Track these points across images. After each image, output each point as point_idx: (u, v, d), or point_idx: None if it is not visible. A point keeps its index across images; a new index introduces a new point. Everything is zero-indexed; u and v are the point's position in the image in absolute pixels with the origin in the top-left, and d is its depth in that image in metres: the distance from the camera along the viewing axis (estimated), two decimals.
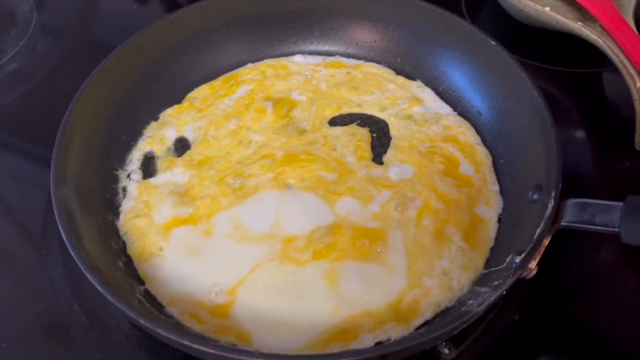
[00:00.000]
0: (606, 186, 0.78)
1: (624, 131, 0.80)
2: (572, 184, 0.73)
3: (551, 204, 0.59)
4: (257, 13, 0.85)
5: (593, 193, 0.76)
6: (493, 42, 0.75)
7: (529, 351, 0.63)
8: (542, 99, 0.68)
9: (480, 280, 0.64)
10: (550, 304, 0.66)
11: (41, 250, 0.70)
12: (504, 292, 0.55)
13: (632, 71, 0.78)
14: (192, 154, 0.76)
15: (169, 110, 0.80)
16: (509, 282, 0.55)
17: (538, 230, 0.58)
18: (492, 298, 0.54)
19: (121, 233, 0.69)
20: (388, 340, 0.60)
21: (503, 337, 0.63)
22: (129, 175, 0.74)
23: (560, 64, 0.91)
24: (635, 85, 0.76)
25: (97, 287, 0.56)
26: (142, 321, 0.53)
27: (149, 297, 0.63)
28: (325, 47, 0.87)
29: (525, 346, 0.64)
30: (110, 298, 0.55)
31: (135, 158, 0.76)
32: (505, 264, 0.61)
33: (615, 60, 0.79)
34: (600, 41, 0.80)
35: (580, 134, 0.85)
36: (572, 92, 0.90)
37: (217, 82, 0.84)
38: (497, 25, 0.98)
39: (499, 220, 0.69)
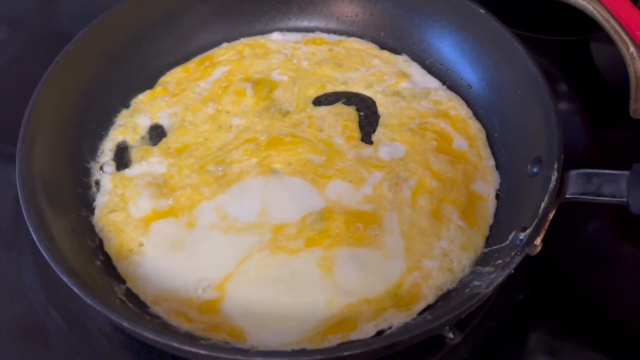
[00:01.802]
0: (602, 156, 0.75)
1: (617, 99, 0.78)
2: (567, 156, 0.70)
3: (554, 176, 0.56)
4: None
5: (589, 164, 0.73)
6: (482, 11, 0.71)
7: (536, 331, 0.61)
8: (537, 68, 0.65)
9: (482, 260, 0.60)
10: (555, 280, 0.63)
11: (12, 253, 0.65)
12: (511, 272, 0.52)
13: (625, 36, 0.75)
14: (169, 141, 0.71)
15: (140, 96, 0.75)
16: (516, 260, 0.52)
17: (542, 205, 0.55)
18: (500, 278, 0.51)
19: (97, 230, 0.64)
20: (390, 327, 0.56)
21: (508, 318, 0.60)
22: (101, 168, 0.69)
23: (546, 32, 0.88)
24: (628, 50, 0.73)
25: (75, 290, 0.51)
26: (125, 324, 0.49)
27: (132, 296, 0.59)
28: (305, 23, 0.83)
29: (531, 326, 0.61)
30: (89, 301, 0.50)
31: (107, 149, 0.71)
32: (508, 242, 0.58)
33: (606, 25, 0.76)
34: (590, 7, 0.77)
35: (571, 103, 0.82)
36: (560, 60, 0.87)
37: (191, 65, 0.79)
38: None
39: (497, 197, 0.66)
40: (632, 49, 0.73)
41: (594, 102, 0.82)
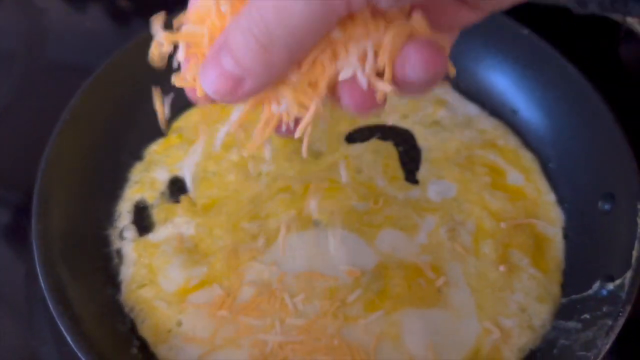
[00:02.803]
0: None
1: None
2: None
3: None
4: None
5: None
6: (526, 31, 0.66)
7: None
8: (596, 93, 0.60)
9: (562, 313, 0.55)
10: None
11: (30, 342, 0.57)
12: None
13: None
14: (193, 197, 0.64)
15: (154, 146, 0.67)
16: (620, 323, 0.46)
17: (634, 254, 0.50)
18: (607, 346, 0.45)
19: (126, 310, 0.56)
20: None
21: None
22: (121, 234, 0.61)
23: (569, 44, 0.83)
24: None
25: None
26: None
27: None
28: None
29: None
30: None
31: (124, 211, 0.63)
32: (591, 291, 0.53)
33: None
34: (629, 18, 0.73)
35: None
36: (590, 72, 0.82)
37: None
38: None
39: (564, 237, 0.60)
40: None
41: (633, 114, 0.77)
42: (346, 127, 0.69)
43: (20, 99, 0.78)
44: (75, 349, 0.48)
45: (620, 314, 0.47)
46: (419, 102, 0.71)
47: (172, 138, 0.68)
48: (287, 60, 0.26)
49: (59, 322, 0.49)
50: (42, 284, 0.50)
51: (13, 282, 0.62)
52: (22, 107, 0.77)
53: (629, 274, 0.49)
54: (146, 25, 0.78)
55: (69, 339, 0.48)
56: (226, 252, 0.59)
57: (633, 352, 0.57)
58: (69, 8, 0.92)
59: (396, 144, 0.68)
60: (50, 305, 0.49)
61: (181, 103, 0.69)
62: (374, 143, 0.67)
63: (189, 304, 0.56)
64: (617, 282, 0.50)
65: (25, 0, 0.90)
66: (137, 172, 0.65)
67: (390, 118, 0.70)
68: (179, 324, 0.55)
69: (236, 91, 0.27)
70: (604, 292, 0.52)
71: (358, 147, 0.67)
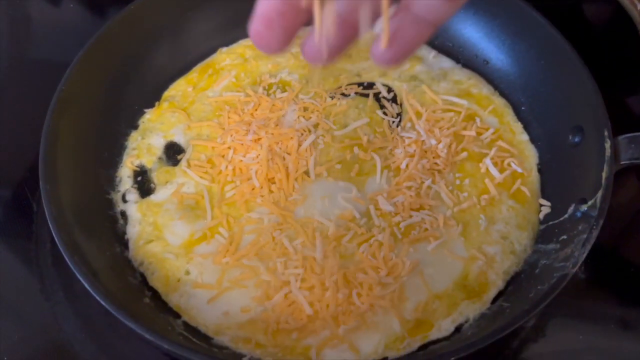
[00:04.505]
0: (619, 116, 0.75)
1: (616, 56, 0.78)
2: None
3: (608, 144, 0.56)
4: None
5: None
6: None
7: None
8: (561, 36, 0.65)
9: (542, 237, 0.60)
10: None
11: (43, 302, 0.60)
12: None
13: None
14: (190, 159, 0.67)
15: (147, 115, 0.70)
16: (595, 234, 0.51)
17: (604, 175, 0.55)
18: (584, 255, 0.50)
19: (135, 265, 0.60)
20: (466, 321, 0.55)
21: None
22: (123, 197, 0.64)
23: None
24: (636, 8, 0.74)
25: (134, 327, 0.48)
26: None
27: (191, 330, 0.55)
28: None
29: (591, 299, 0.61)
30: (152, 338, 0.47)
31: (124, 176, 0.66)
32: (567, 215, 0.58)
33: None
34: None
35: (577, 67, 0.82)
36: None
37: (194, 74, 0.74)
38: None
39: (539, 171, 0.65)
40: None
41: (597, 62, 0.82)
42: (330, 87, 0.73)
43: (7, 96, 0.79)
44: (96, 296, 0.50)
45: (594, 227, 0.51)
46: None
47: (164, 106, 0.71)
48: None
49: (76, 272, 0.51)
50: (57, 240, 0.52)
51: (15, 270, 0.64)
52: (5, 103, 0.78)
53: (599, 193, 0.54)
54: None
55: (87, 286, 0.50)
56: (226, 205, 0.63)
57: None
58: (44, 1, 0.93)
59: (378, 99, 0.71)
60: (66, 257, 0.51)
61: (169, 73, 0.74)
62: (357, 99, 0.71)
63: (196, 254, 0.60)
64: (590, 202, 0.55)
65: None
66: (134, 140, 0.68)
67: (371, 76, 0.74)
68: (187, 272, 0.59)
69: None
70: (579, 214, 0.56)
71: (343, 103, 0.71)
